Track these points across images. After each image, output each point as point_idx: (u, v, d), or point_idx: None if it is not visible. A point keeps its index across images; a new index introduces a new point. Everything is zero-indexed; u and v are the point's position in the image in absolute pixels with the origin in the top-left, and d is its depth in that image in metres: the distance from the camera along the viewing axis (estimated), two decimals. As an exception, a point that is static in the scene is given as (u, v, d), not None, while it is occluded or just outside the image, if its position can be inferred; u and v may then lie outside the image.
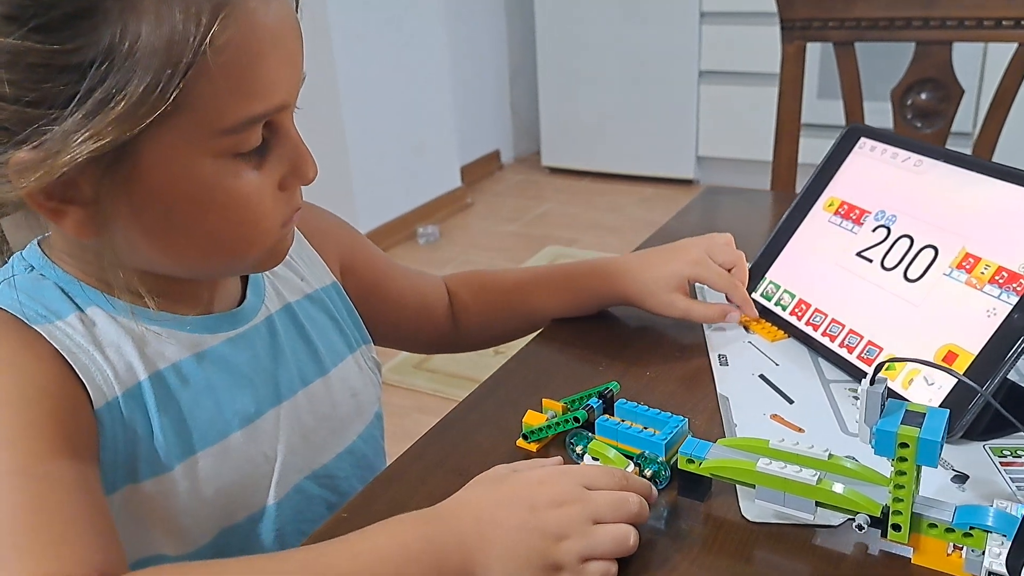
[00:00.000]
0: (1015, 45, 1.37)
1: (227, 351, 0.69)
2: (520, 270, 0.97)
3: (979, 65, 2.95)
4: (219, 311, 0.71)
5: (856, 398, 0.76)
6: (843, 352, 0.81)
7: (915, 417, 0.55)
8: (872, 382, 0.57)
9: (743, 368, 0.83)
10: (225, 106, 0.56)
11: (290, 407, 0.73)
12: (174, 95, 0.53)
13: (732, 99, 3.70)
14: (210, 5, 0.53)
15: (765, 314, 0.90)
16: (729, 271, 0.90)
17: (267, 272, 0.76)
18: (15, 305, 0.61)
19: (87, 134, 0.52)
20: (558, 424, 0.71)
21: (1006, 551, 0.53)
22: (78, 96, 0.52)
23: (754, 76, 3.54)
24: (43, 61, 0.52)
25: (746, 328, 0.90)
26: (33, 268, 0.65)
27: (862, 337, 0.80)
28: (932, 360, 0.71)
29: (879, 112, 1.53)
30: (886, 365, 0.76)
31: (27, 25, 0.51)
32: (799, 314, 0.87)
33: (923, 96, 1.47)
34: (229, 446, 0.68)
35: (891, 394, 0.64)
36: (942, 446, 0.54)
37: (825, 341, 0.83)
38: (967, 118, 2.89)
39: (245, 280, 0.75)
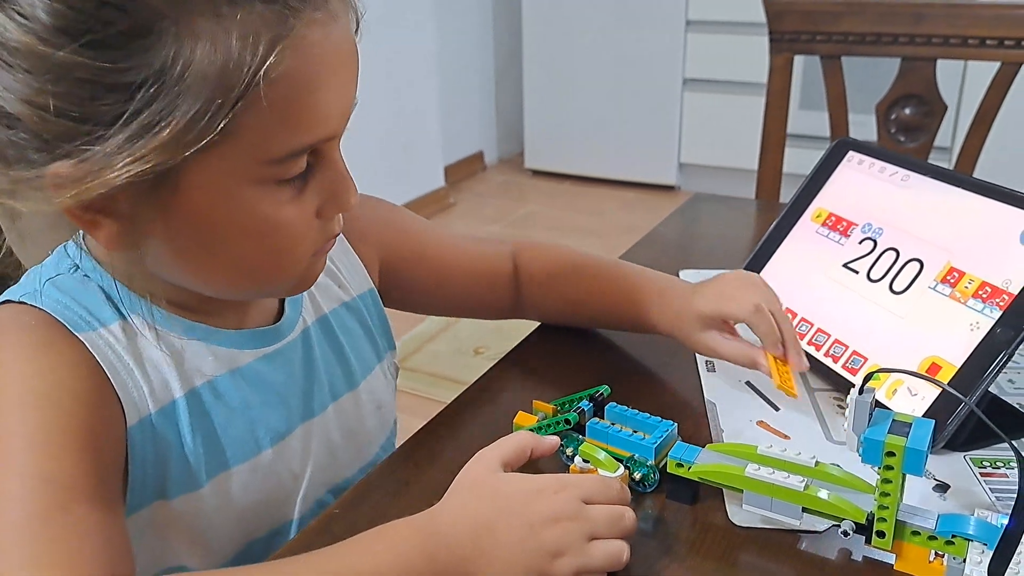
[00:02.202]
0: (998, 64, 1.40)
1: (263, 368, 0.69)
2: (590, 258, 0.91)
3: (959, 82, 2.99)
4: (257, 325, 0.70)
5: (841, 407, 0.78)
6: (828, 362, 0.82)
7: (902, 427, 0.57)
8: (860, 392, 0.58)
9: (730, 374, 0.84)
10: (273, 137, 0.55)
11: (320, 423, 0.73)
12: (222, 124, 0.51)
13: (715, 107, 3.73)
14: (270, 35, 0.52)
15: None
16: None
17: None
18: (60, 308, 0.60)
19: (130, 157, 0.51)
20: (549, 426, 0.71)
21: (987, 559, 0.54)
22: (124, 116, 0.51)
23: (738, 85, 3.57)
24: (92, 77, 0.50)
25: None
26: (78, 268, 0.63)
27: (847, 347, 0.81)
28: (915, 370, 0.73)
29: (863, 125, 1.55)
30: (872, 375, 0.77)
31: (80, 40, 0.49)
32: (785, 323, 0.88)
33: (907, 111, 1.50)
34: (259, 464, 0.67)
35: (876, 404, 0.65)
36: (927, 456, 0.56)
37: (811, 350, 0.84)
38: (946, 133, 2.94)
39: None
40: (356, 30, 0.61)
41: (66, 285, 0.62)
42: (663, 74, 3.82)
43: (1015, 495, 0.66)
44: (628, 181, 4.01)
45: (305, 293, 0.74)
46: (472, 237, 0.93)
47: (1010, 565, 0.54)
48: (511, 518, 0.57)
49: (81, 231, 0.64)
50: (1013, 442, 0.54)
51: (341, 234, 0.75)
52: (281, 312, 0.72)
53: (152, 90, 0.50)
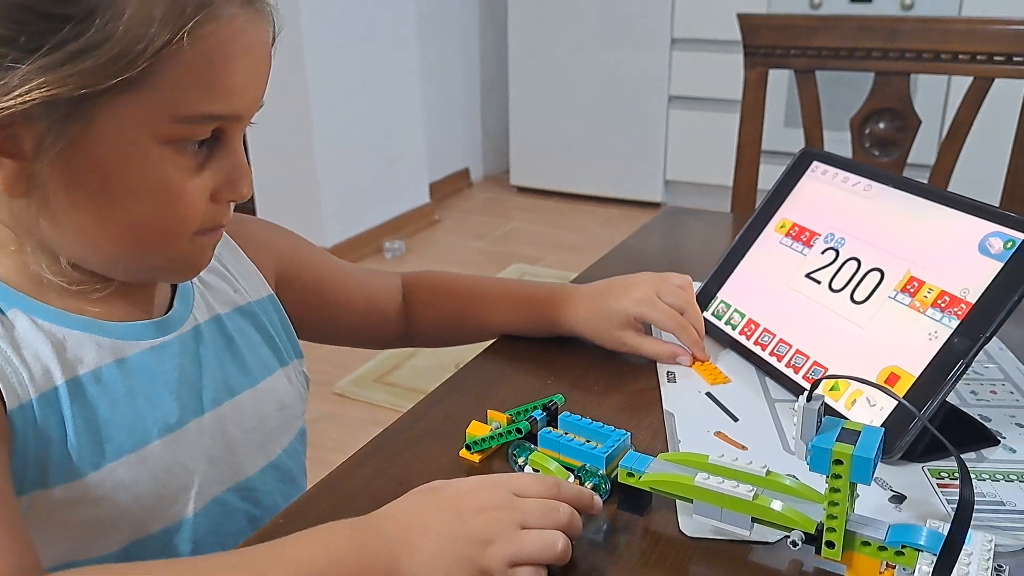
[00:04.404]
0: (971, 79, 1.40)
1: (150, 359, 0.68)
2: (478, 280, 0.97)
3: (942, 98, 3.01)
4: (145, 319, 0.70)
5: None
6: (789, 372, 0.81)
7: (851, 435, 0.56)
8: (809, 399, 0.57)
9: (690, 386, 0.83)
10: (187, 95, 0.58)
11: (214, 418, 0.72)
12: (143, 66, 0.54)
13: (701, 124, 3.74)
14: (196, 0, 0.56)
15: (714, 333, 0.90)
16: (682, 313, 0.88)
17: (198, 282, 0.75)
18: None
19: (48, 78, 0.53)
20: (501, 435, 0.70)
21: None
22: (50, 45, 0.53)
23: (723, 102, 3.58)
24: (28, 4, 0.53)
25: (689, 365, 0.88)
26: None
27: (808, 357, 0.81)
28: (874, 380, 0.72)
29: (839, 142, 1.55)
30: (830, 385, 0.77)
31: None
32: (748, 333, 0.88)
33: (881, 125, 1.50)
34: (147, 455, 0.66)
35: (832, 413, 0.64)
36: (876, 464, 0.55)
37: (772, 361, 0.83)
38: (930, 150, 2.95)
39: (174, 289, 0.73)
40: (272, 43, 0.65)
41: None
42: (649, 92, 3.83)
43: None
44: (614, 198, 4.02)
45: (196, 292, 0.74)
46: (364, 268, 0.98)
47: (959, 574, 0.53)
48: (441, 510, 0.58)
49: None
50: (959, 454, 0.53)
51: (235, 243, 0.79)
52: (171, 308, 0.72)
53: (83, 24, 0.53)
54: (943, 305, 0.73)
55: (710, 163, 3.71)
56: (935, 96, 3.02)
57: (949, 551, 0.50)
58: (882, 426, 0.70)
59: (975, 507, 0.64)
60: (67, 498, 0.62)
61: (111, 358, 0.66)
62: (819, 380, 0.58)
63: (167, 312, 0.72)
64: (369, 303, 0.93)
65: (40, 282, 0.63)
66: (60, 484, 0.62)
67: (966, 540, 0.56)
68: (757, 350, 0.85)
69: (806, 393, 0.57)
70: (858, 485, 0.66)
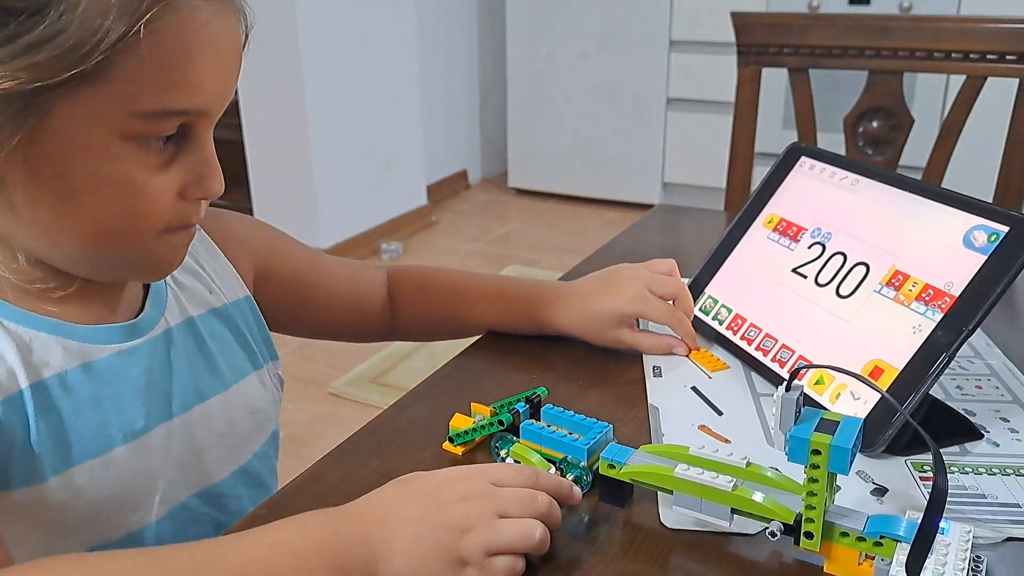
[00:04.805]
0: (964, 77, 1.40)
1: (117, 363, 0.67)
2: (465, 276, 0.96)
3: (941, 98, 3.00)
4: (115, 322, 0.68)
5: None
6: (775, 366, 0.81)
7: (829, 425, 0.55)
8: (788, 389, 0.57)
9: (676, 380, 0.83)
10: (146, 90, 0.56)
11: (182, 423, 0.71)
12: (98, 59, 0.53)
13: (699, 126, 3.74)
14: None
15: (702, 328, 0.90)
16: (673, 302, 0.89)
17: (172, 282, 0.74)
18: None
19: (1, 71, 0.52)
20: (483, 427, 0.70)
21: (911, 558, 0.53)
22: (2, 37, 0.52)
23: (721, 104, 3.57)
24: None
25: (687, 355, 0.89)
26: None
27: (793, 352, 0.80)
28: (859, 373, 0.72)
29: (833, 143, 1.54)
30: (816, 379, 0.76)
31: None
32: (735, 328, 0.87)
33: (874, 124, 1.49)
34: (111, 460, 0.65)
35: (816, 406, 0.64)
36: (855, 454, 0.55)
37: (758, 355, 0.83)
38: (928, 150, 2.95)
39: (147, 290, 0.73)
40: (244, 42, 0.64)
41: None
42: (647, 94, 3.83)
43: (956, 499, 0.65)
44: (612, 200, 4.02)
45: (169, 294, 0.73)
46: (349, 261, 0.97)
47: (936, 564, 0.53)
48: (420, 498, 0.57)
49: None
50: (935, 442, 0.53)
51: (212, 241, 0.78)
52: (142, 311, 0.71)
53: (36, 17, 0.52)
54: (927, 299, 0.72)
55: (708, 165, 3.71)
56: (934, 96, 3.03)
57: (923, 539, 0.50)
58: (866, 419, 0.70)
59: (957, 500, 0.65)
60: (28, 501, 0.62)
61: (77, 362, 0.65)
62: (798, 370, 0.58)
63: (138, 314, 0.70)
64: (351, 298, 0.93)
65: (5, 283, 0.62)
66: (21, 487, 0.61)
67: (945, 531, 0.56)
68: (743, 345, 0.85)
69: (785, 383, 0.57)
70: (839, 478, 0.66)
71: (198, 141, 0.62)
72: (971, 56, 1.39)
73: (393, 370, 2.56)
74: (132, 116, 0.57)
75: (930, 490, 0.66)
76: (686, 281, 0.94)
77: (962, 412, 0.76)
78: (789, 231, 0.89)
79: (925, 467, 0.69)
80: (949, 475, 0.68)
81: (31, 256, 0.62)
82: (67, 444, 0.63)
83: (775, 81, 1.53)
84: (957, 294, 0.71)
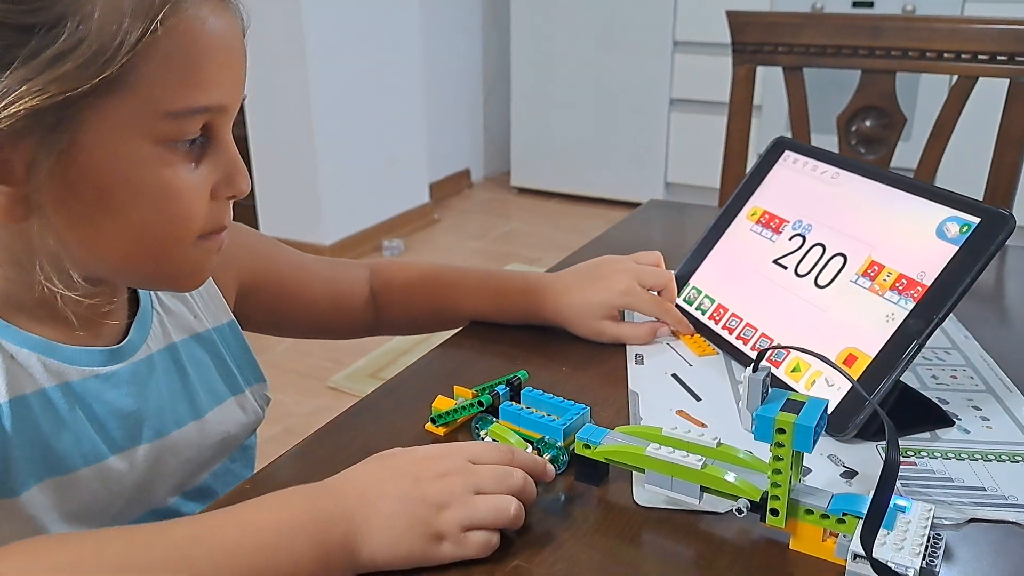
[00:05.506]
0: (955, 77, 1.41)
1: (95, 386, 0.67)
2: (448, 268, 0.97)
3: (943, 99, 3.01)
4: (99, 344, 0.69)
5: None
6: (753, 355, 0.82)
7: (795, 405, 0.57)
8: (755, 370, 0.59)
9: (657, 367, 0.85)
10: (169, 90, 0.57)
11: (152, 449, 0.71)
12: (122, 62, 0.54)
13: (702, 127, 3.75)
14: None
15: (685, 317, 0.92)
16: (659, 293, 0.92)
17: (159, 307, 0.75)
18: None
19: (28, 88, 0.53)
20: (464, 408, 0.72)
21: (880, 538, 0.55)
22: (24, 55, 0.53)
23: (724, 105, 3.55)
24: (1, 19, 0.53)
25: (675, 336, 0.91)
26: None
27: (772, 340, 0.82)
28: (821, 353, 0.73)
29: (828, 144, 1.56)
30: (792, 367, 0.78)
31: None
32: (717, 318, 0.89)
33: (867, 123, 1.51)
34: (78, 479, 0.66)
35: (783, 387, 0.66)
36: (819, 434, 0.56)
37: (739, 344, 0.85)
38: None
39: (133, 313, 0.73)
40: (244, 32, 0.64)
41: None
42: (650, 94, 3.85)
43: (923, 482, 0.66)
44: (615, 200, 4.03)
45: (154, 319, 0.74)
46: (330, 261, 0.98)
47: (896, 540, 0.54)
48: (398, 475, 0.59)
49: None
50: (891, 423, 0.54)
51: None
52: (127, 335, 0.71)
53: (55, 31, 0.53)
54: (901, 288, 0.74)
55: (711, 165, 3.67)
56: (936, 97, 3.03)
57: (875, 511, 0.51)
58: (838, 406, 0.72)
59: (925, 483, 0.66)
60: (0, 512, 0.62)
61: (57, 381, 0.65)
62: (765, 351, 0.60)
63: (123, 339, 0.71)
64: (333, 299, 0.94)
65: (2, 300, 0.63)
66: None
67: (906, 510, 0.57)
68: (724, 334, 0.87)
69: (752, 364, 0.59)
70: (811, 462, 0.68)
71: (222, 141, 0.63)
72: (962, 56, 1.40)
73: (392, 365, 2.58)
74: (160, 118, 0.58)
75: (900, 475, 0.67)
76: (672, 273, 0.96)
77: (935, 400, 0.77)
78: (772, 223, 0.91)
79: (895, 452, 0.70)
80: (918, 459, 0.69)
81: (84, 275, 0.63)
82: (39, 461, 0.64)
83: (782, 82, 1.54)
84: (929, 284, 0.72)
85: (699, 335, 0.90)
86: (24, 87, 0.53)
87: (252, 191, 3.37)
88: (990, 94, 1.43)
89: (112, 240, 0.61)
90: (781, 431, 0.56)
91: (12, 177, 0.57)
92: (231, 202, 0.66)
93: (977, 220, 0.72)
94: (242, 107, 2.73)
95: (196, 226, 0.63)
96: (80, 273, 0.62)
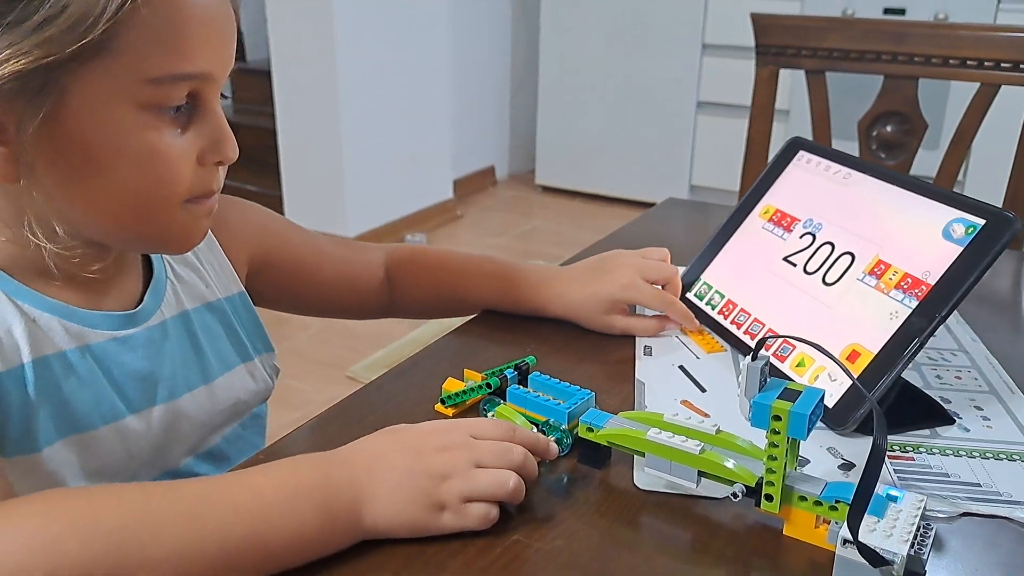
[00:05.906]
0: (978, 85, 1.42)
1: (113, 349, 0.70)
2: (462, 256, 0.99)
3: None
4: (115, 309, 0.72)
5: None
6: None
7: (792, 394, 0.59)
8: (754, 358, 0.60)
9: (665, 359, 0.86)
10: (152, 56, 0.59)
11: (166, 411, 0.74)
12: (104, 29, 0.56)
13: (729, 130, 3.75)
14: None
15: (695, 313, 0.93)
16: (663, 287, 0.93)
17: (171, 275, 0.77)
18: None
19: (13, 51, 0.55)
20: (473, 390, 0.74)
21: (870, 525, 0.56)
22: (9, 20, 0.55)
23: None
24: None
25: (683, 331, 0.93)
26: None
27: (779, 335, 0.83)
28: (818, 344, 0.75)
29: (848, 149, 1.56)
30: (797, 361, 0.79)
31: None
32: (726, 313, 0.90)
33: (888, 128, 1.52)
34: (98, 438, 0.68)
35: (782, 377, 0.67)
36: (814, 422, 0.58)
37: (746, 339, 0.86)
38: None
39: (147, 281, 0.76)
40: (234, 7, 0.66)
41: None
42: (678, 96, 3.86)
43: (920, 476, 0.68)
44: (639, 201, 4.04)
45: (168, 287, 0.76)
46: (346, 242, 1.00)
47: (886, 527, 0.55)
48: (404, 448, 0.61)
49: None
50: (881, 411, 0.56)
51: (211, 233, 0.80)
52: (142, 301, 0.74)
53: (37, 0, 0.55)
54: (905, 287, 0.75)
55: (736, 169, 3.70)
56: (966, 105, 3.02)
57: (862, 494, 0.53)
58: (839, 400, 0.74)
59: (921, 478, 0.67)
60: (20, 469, 0.65)
61: (76, 343, 0.68)
62: (763, 339, 0.61)
63: (138, 304, 0.74)
64: (346, 280, 0.96)
65: (23, 265, 0.66)
66: (12, 456, 0.64)
67: (898, 500, 0.59)
68: (733, 329, 0.88)
69: (752, 353, 0.60)
70: (810, 452, 0.70)
71: (208, 108, 0.65)
72: (985, 64, 1.41)
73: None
74: (143, 84, 0.60)
75: (895, 468, 0.69)
76: (682, 269, 0.97)
77: (937, 399, 0.79)
78: (783, 221, 0.92)
79: (894, 447, 0.72)
80: (916, 455, 0.71)
81: (70, 231, 0.65)
82: (61, 418, 0.66)
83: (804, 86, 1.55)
84: (933, 283, 0.73)
85: (708, 332, 0.92)
86: (10, 50, 0.55)
87: (279, 182, 3.41)
88: (1019, 102, 1.43)
89: (100, 201, 0.63)
90: (777, 418, 0.58)
91: (4, 136, 0.59)
92: (221, 169, 0.68)
93: (982, 222, 0.73)
94: (271, 99, 2.75)
95: (182, 189, 0.65)
96: (66, 229, 0.64)
